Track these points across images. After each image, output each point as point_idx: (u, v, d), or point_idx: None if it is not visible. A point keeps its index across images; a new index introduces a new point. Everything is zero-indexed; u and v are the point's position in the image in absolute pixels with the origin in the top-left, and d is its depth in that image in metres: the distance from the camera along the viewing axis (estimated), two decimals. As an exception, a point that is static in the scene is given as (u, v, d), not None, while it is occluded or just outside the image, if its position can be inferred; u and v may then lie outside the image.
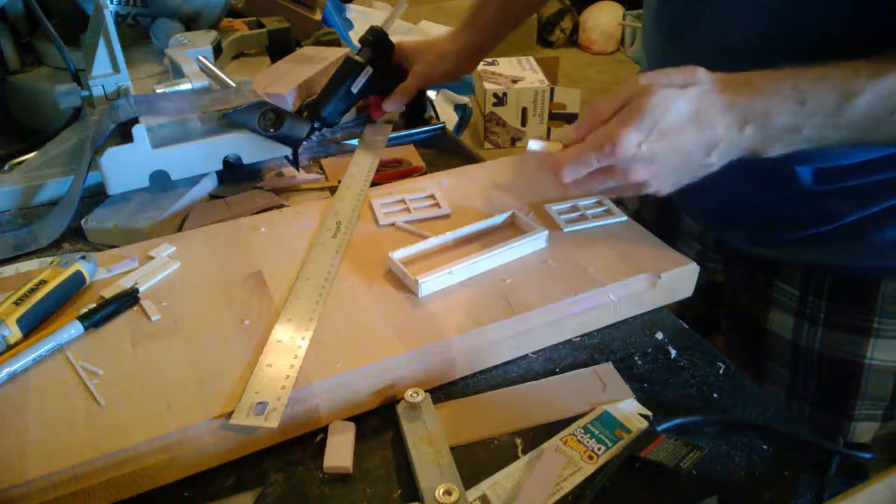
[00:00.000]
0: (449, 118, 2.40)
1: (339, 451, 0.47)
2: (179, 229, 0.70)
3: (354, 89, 0.84)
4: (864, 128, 0.49)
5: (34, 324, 0.54)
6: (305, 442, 0.49)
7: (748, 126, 0.49)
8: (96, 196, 0.75)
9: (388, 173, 0.80)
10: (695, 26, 0.59)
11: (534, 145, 0.57)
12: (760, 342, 0.70)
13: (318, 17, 1.27)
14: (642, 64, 0.77)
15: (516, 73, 2.88)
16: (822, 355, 0.66)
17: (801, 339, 0.67)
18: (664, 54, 0.64)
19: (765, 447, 0.49)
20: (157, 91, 0.76)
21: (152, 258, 0.62)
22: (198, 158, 0.74)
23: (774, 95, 0.48)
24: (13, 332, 0.53)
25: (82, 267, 0.58)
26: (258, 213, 0.72)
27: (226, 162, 0.75)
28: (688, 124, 0.49)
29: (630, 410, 0.51)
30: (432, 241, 0.63)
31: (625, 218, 0.66)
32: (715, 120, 0.49)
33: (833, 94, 0.48)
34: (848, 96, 0.47)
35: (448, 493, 0.43)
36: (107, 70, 0.77)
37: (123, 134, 0.70)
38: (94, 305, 0.56)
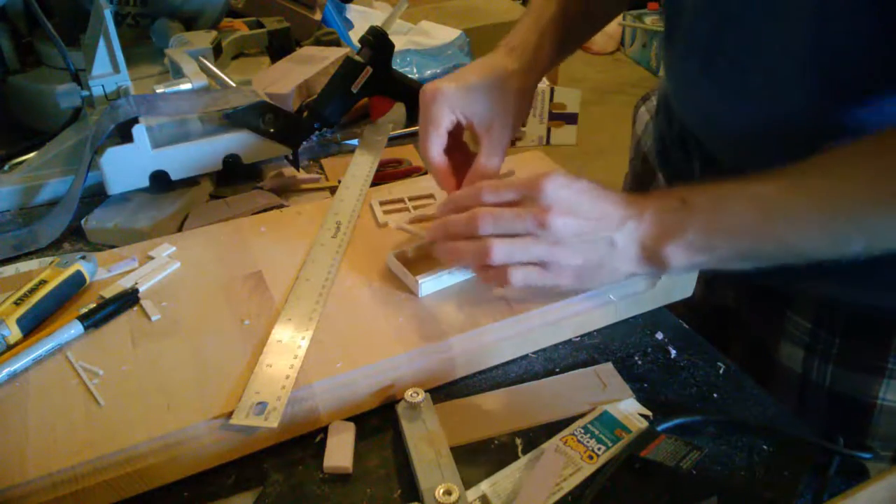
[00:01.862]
0: (449, 118, 2.39)
1: (339, 451, 0.47)
2: (179, 229, 0.70)
3: (354, 89, 0.84)
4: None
5: (34, 324, 0.54)
6: (305, 442, 0.49)
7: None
8: (96, 196, 0.75)
9: (388, 173, 0.80)
10: (721, 55, 0.58)
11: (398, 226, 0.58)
12: (770, 372, 0.68)
13: (318, 17, 1.27)
14: (663, 87, 0.74)
15: (516, 73, 2.87)
16: (833, 392, 0.63)
17: (811, 373, 0.64)
18: (696, 85, 0.63)
19: (765, 447, 0.49)
20: (157, 91, 0.76)
21: (152, 258, 0.62)
22: (198, 158, 0.74)
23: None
24: (13, 332, 0.53)
25: (82, 267, 0.58)
26: (258, 213, 0.72)
27: (226, 162, 0.75)
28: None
29: (630, 410, 0.51)
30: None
31: (625, 218, 0.66)
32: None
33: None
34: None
35: (448, 493, 0.43)
36: (107, 70, 0.77)
37: (123, 134, 0.70)
38: (94, 305, 0.56)
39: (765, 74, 0.55)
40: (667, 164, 0.75)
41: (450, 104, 0.59)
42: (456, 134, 0.62)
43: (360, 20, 2.37)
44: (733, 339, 0.73)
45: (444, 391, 0.53)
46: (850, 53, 0.49)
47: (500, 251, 0.51)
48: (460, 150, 0.63)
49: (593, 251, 0.51)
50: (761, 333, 0.69)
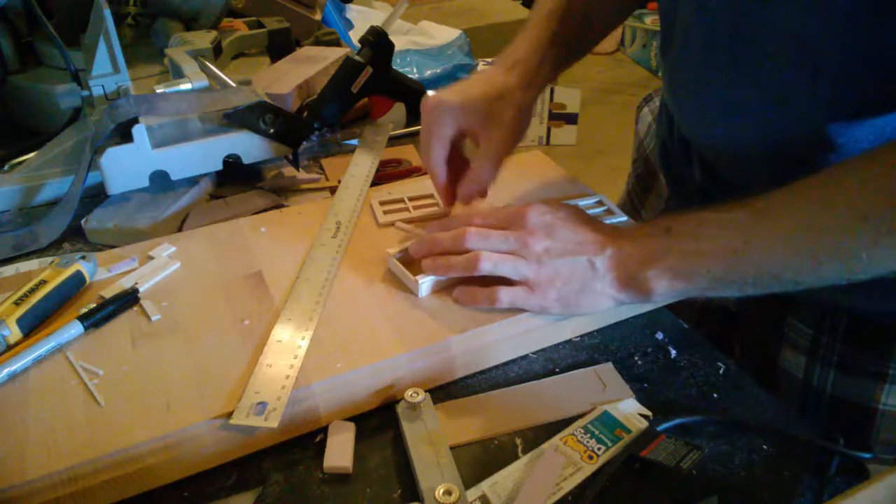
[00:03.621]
0: (449, 118, 2.39)
1: (339, 451, 0.47)
2: (179, 229, 0.70)
3: (354, 89, 0.84)
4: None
5: (34, 324, 0.54)
6: (305, 442, 0.49)
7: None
8: (96, 196, 0.75)
9: (388, 173, 0.80)
10: (713, 70, 0.58)
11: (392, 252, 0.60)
12: (772, 377, 0.68)
13: (318, 17, 1.27)
14: (663, 97, 0.74)
15: (516, 73, 2.87)
16: (834, 397, 0.63)
17: (812, 379, 0.64)
18: (690, 95, 0.64)
19: (765, 447, 0.49)
20: (157, 91, 0.76)
21: (152, 258, 0.62)
22: (198, 158, 0.74)
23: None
24: (13, 332, 0.53)
25: (82, 267, 0.58)
26: (258, 213, 0.72)
27: (226, 162, 0.75)
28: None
29: (630, 410, 0.51)
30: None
31: (625, 218, 0.66)
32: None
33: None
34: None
35: (448, 493, 0.43)
36: (107, 70, 0.77)
37: (123, 134, 0.70)
38: (94, 305, 0.56)
39: (757, 92, 0.55)
40: (668, 166, 0.75)
41: (452, 115, 0.61)
42: (456, 146, 0.63)
43: (360, 20, 2.38)
44: (736, 342, 0.73)
45: (444, 391, 0.53)
46: (846, 71, 0.49)
47: (488, 261, 0.54)
48: (460, 162, 0.65)
49: (574, 273, 0.54)
50: (763, 340, 0.69)
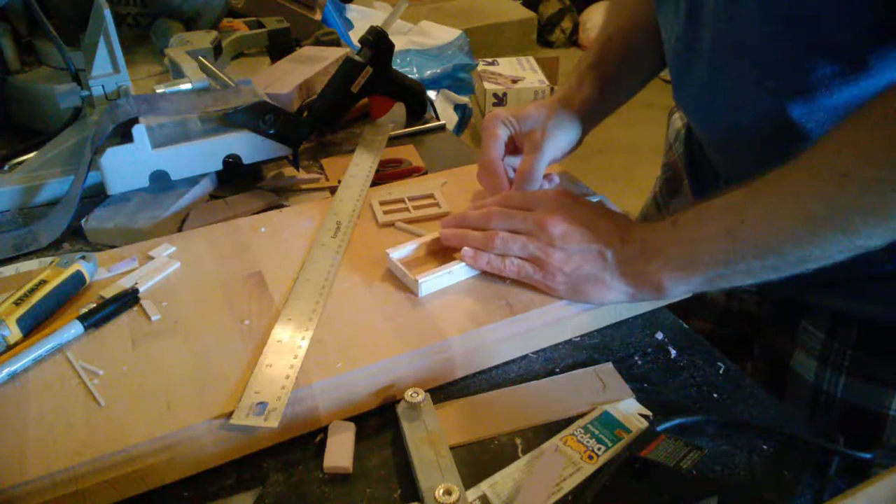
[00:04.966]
0: (449, 118, 2.40)
1: (339, 451, 0.47)
2: (179, 229, 0.70)
3: (354, 89, 0.84)
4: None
5: (34, 324, 0.54)
6: (305, 442, 0.49)
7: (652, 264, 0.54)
8: (96, 196, 0.75)
9: (388, 173, 0.80)
10: (690, 73, 0.60)
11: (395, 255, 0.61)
12: (784, 379, 0.68)
13: (318, 17, 1.27)
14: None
15: (516, 73, 2.88)
16: (844, 402, 0.63)
17: (822, 383, 0.64)
18: (680, 97, 0.65)
19: (765, 447, 0.49)
20: (157, 91, 0.76)
21: (152, 258, 0.62)
22: (198, 158, 0.74)
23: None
24: (13, 332, 0.53)
25: (82, 267, 0.58)
26: (258, 213, 0.72)
27: (226, 162, 0.75)
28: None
29: (630, 410, 0.51)
30: (432, 242, 0.63)
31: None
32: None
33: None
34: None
35: (448, 493, 0.43)
36: (107, 70, 0.77)
37: (123, 134, 0.70)
38: (94, 305, 0.56)
39: (724, 85, 0.56)
40: (693, 172, 0.76)
41: (503, 121, 0.70)
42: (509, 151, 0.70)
43: (360, 20, 2.37)
44: (756, 344, 0.74)
45: (444, 391, 0.53)
46: (780, 62, 0.51)
47: (500, 239, 0.57)
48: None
49: (585, 261, 0.55)
50: (777, 342, 0.69)
